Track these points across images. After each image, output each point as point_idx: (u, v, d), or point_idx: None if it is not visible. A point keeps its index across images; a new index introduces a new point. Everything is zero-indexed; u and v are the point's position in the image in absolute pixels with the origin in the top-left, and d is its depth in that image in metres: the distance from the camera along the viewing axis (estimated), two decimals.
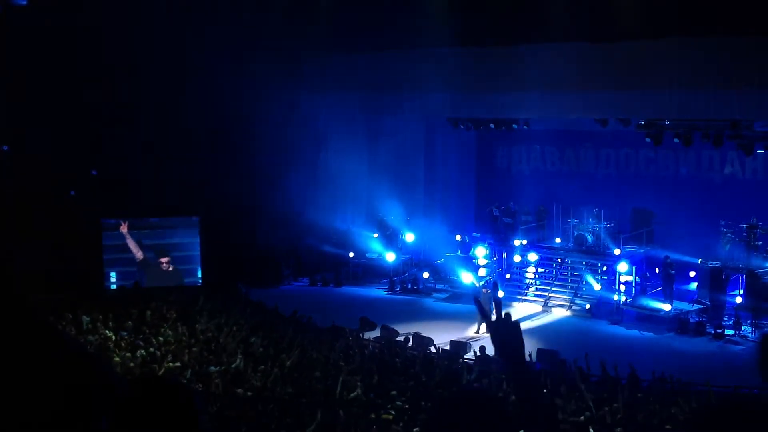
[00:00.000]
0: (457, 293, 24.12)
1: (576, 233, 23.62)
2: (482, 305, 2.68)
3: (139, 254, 23.72)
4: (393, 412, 10.89)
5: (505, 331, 2.62)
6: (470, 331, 20.16)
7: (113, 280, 23.46)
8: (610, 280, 22.93)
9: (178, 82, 22.48)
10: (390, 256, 26.03)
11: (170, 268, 23.85)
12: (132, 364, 13.47)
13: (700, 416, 2.24)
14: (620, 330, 21.08)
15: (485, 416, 2.33)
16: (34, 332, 2.15)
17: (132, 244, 23.66)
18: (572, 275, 23.96)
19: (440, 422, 2.36)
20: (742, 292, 21.14)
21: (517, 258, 24.62)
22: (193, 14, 22.30)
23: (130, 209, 23.25)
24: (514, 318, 2.71)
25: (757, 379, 3.14)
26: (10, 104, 20.77)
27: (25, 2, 19.31)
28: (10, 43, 20.18)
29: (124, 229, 23.59)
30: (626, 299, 22.07)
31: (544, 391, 11.38)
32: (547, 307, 22.81)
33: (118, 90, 21.65)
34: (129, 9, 21.24)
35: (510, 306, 23.04)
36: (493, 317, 2.68)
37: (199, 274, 24.00)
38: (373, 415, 10.87)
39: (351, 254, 26.53)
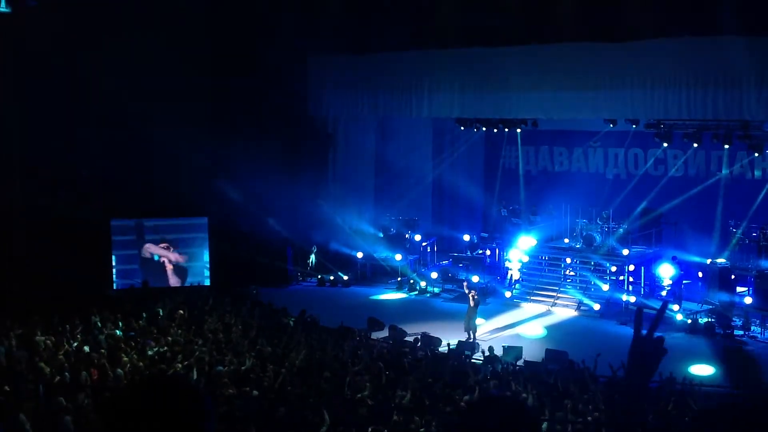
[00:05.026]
0: (465, 293, 24.07)
1: (584, 233, 23.57)
2: (638, 320, 2.67)
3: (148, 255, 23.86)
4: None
5: (649, 352, 2.60)
6: (480, 330, 20.10)
7: (115, 278, 23.52)
8: (619, 281, 22.87)
9: (185, 83, 22.51)
10: (398, 257, 26.02)
11: (171, 266, 23.87)
12: (141, 364, 13.53)
13: (707, 416, 2.25)
14: (629, 330, 20.90)
15: (512, 424, 2.29)
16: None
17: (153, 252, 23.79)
18: (581, 275, 23.90)
19: (465, 428, 2.33)
20: (750, 291, 21.08)
21: (524, 258, 24.57)
22: (201, 13, 22.36)
23: (140, 209, 23.29)
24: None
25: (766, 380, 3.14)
26: (17, 103, 20.83)
27: (35, 2, 19.36)
28: (15, 43, 20.27)
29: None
30: (635, 299, 22.00)
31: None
32: (552, 308, 22.71)
33: (127, 90, 21.66)
34: (135, 8, 21.31)
35: (518, 306, 23.04)
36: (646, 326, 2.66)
37: (206, 274, 24.04)
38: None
39: (359, 254, 26.54)
